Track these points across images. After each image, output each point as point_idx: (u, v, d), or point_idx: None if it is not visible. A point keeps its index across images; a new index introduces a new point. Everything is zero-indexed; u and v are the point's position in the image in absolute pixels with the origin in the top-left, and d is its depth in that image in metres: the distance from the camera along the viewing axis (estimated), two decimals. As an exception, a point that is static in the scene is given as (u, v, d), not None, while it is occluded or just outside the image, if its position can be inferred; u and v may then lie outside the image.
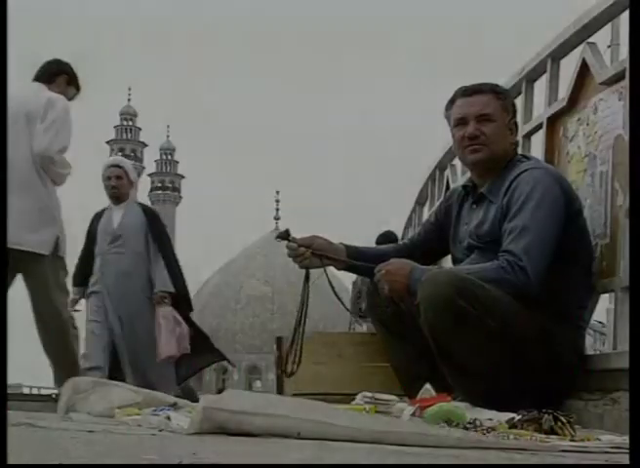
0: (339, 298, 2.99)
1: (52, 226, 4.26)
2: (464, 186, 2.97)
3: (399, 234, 7.38)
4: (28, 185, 4.20)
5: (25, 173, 4.18)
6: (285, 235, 2.94)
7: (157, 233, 5.48)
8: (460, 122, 2.82)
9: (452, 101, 2.88)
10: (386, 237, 7.33)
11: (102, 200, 5.67)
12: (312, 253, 2.93)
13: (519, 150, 3.06)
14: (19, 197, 4.12)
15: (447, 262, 3.26)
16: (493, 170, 2.81)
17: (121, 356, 5.35)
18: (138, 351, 5.35)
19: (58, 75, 4.41)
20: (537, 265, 2.59)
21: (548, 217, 2.65)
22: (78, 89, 4.52)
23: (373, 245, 6.40)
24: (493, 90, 2.85)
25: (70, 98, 4.42)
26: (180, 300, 5.50)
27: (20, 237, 4.10)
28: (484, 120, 2.79)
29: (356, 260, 2.96)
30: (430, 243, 3.08)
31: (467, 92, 2.85)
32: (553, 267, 2.63)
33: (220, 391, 2.48)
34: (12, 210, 3.96)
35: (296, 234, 2.98)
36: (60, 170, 4.27)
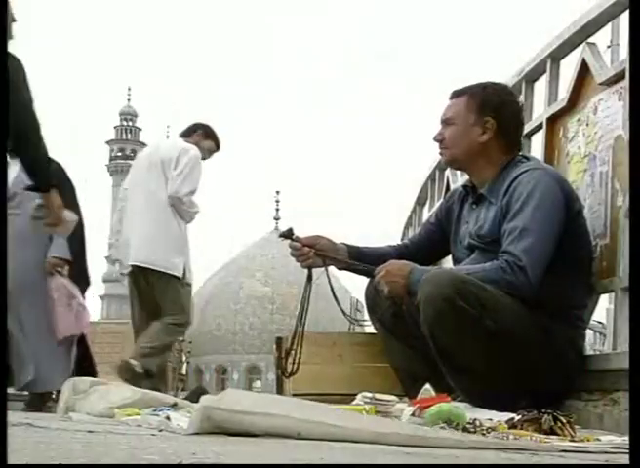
0: (337, 301, 2.98)
1: (181, 255, 4.98)
2: (465, 186, 2.98)
3: (399, 234, 7.34)
4: (165, 219, 4.92)
5: (161, 209, 4.91)
6: (288, 234, 2.94)
7: (61, 190, 4.53)
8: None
9: None
10: None
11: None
12: (315, 253, 2.93)
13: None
14: (156, 228, 4.90)
15: (447, 263, 3.26)
16: (470, 169, 2.89)
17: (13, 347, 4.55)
18: (29, 336, 4.61)
19: (195, 131, 5.16)
20: (536, 266, 2.59)
21: (548, 218, 2.65)
22: (218, 146, 5.25)
23: (373, 245, 6.33)
24: (468, 90, 2.88)
25: (209, 151, 5.16)
26: (77, 272, 4.86)
27: (154, 260, 4.88)
28: (447, 124, 2.88)
29: (357, 261, 2.96)
30: (431, 243, 3.08)
31: (450, 95, 2.93)
32: (553, 267, 2.63)
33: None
34: (149, 238, 4.86)
35: (298, 234, 2.98)
36: (188, 209, 4.95)
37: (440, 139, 2.89)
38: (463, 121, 2.84)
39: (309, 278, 2.96)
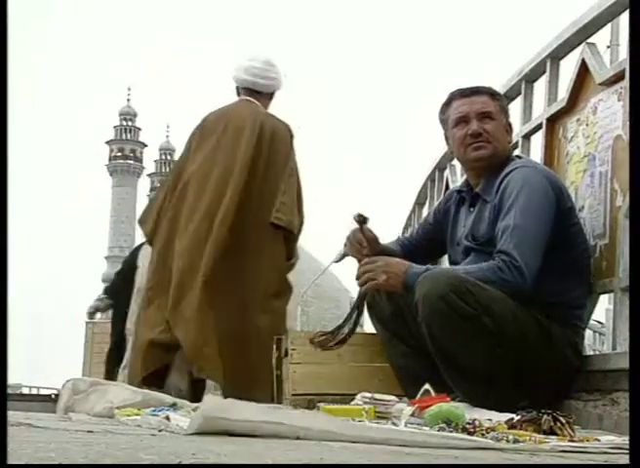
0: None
1: None
2: (459, 191, 2.99)
3: (398, 234, 7.31)
4: None
5: None
6: (363, 221, 2.94)
7: None
8: (462, 120, 2.84)
9: (447, 104, 2.91)
10: None
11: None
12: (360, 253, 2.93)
13: (519, 151, 3.07)
14: None
15: (445, 263, 3.27)
16: (491, 168, 2.83)
17: None
18: None
19: None
20: (531, 262, 2.60)
21: (537, 214, 2.66)
22: None
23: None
24: (489, 91, 2.92)
25: None
26: None
27: None
28: (485, 118, 2.83)
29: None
30: (429, 242, 3.11)
31: (465, 92, 2.88)
32: (548, 266, 2.64)
33: None
34: None
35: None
36: None
37: (480, 133, 2.81)
38: (500, 119, 2.87)
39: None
